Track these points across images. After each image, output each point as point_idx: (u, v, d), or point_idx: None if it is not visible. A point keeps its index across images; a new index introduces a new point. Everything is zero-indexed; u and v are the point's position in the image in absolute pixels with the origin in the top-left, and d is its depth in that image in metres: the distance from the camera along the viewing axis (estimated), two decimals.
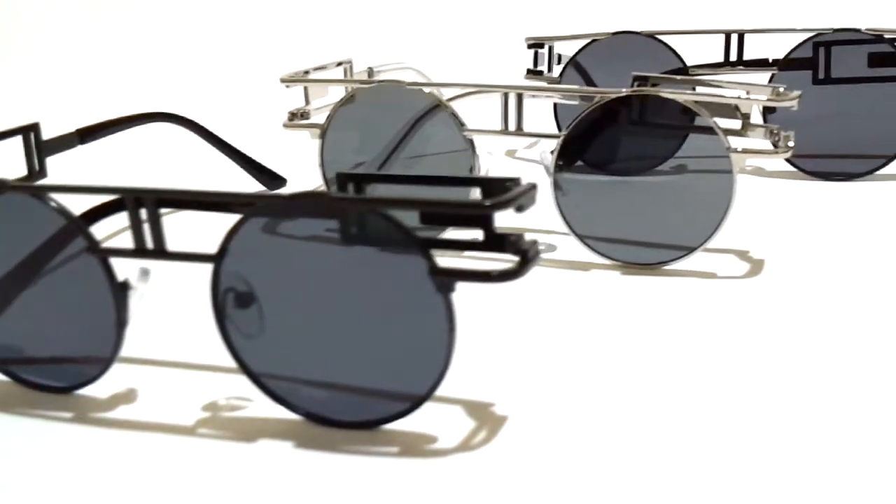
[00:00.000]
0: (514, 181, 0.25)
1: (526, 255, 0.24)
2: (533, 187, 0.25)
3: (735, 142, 0.36)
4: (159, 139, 0.54)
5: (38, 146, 0.42)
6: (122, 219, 0.27)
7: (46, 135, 0.43)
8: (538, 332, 0.32)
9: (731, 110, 0.37)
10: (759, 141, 0.37)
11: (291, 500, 0.23)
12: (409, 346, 0.25)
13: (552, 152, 0.38)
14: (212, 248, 0.26)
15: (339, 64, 0.49)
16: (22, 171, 0.42)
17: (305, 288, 0.26)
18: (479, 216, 0.24)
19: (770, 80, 0.51)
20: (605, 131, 0.39)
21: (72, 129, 0.45)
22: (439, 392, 0.25)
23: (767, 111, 0.45)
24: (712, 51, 0.54)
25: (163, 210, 0.27)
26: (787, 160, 0.48)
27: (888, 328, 0.32)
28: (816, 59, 0.50)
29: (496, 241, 0.24)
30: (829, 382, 0.28)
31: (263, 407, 0.27)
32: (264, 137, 0.52)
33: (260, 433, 0.26)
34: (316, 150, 0.44)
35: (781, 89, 0.38)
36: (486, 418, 0.26)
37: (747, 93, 0.39)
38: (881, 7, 0.73)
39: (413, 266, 0.24)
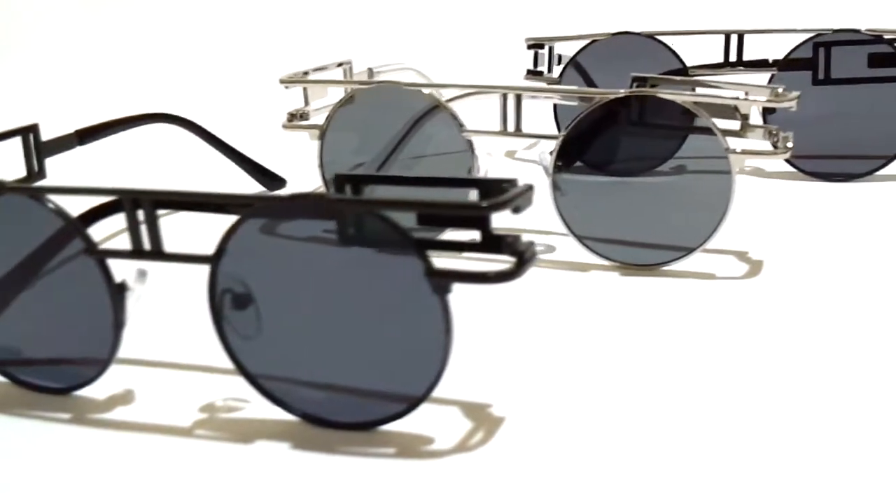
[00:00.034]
0: (511, 182, 0.25)
1: (523, 256, 0.24)
2: (529, 188, 0.25)
3: (734, 142, 0.36)
4: (159, 140, 0.54)
5: (38, 147, 0.42)
6: (120, 220, 0.27)
7: (46, 136, 0.43)
8: (536, 333, 0.32)
9: (730, 111, 0.37)
10: (759, 142, 0.37)
11: (288, 502, 0.23)
12: (405, 347, 0.25)
13: (551, 153, 0.38)
14: (209, 249, 0.26)
15: (340, 65, 0.48)
16: (21, 172, 0.42)
17: (302, 289, 0.26)
18: (475, 217, 0.24)
19: (770, 81, 0.51)
20: (604, 132, 0.39)
21: (71, 129, 0.45)
22: (436, 393, 0.25)
23: (767, 112, 0.45)
24: (712, 51, 0.54)
25: (160, 211, 0.27)
26: (787, 161, 0.48)
27: (887, 329, 0.32)
28: (816, 59, 0.50)
29: (493, 243, 0.24)
30: (827, 383, 0.28)
31: (260, 408, 0.27)
32: (265, 138, 0.52)
33: (257, 434, 0.26)
34: (315, 151, 0.44)
35: (780, 90, 0.38)
36: (483, 419, 0.26)
37: (746, 94, 0.39)
38: (881, 7, 0.72)
39: (409, 267, 0.24)
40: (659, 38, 0.55)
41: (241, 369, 0.26)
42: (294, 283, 0.26)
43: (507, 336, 0.32)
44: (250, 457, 0.25)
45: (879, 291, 0.35)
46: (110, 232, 0.30)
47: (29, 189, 0.28)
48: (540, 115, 0.50)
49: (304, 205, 0.25)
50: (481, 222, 0.24)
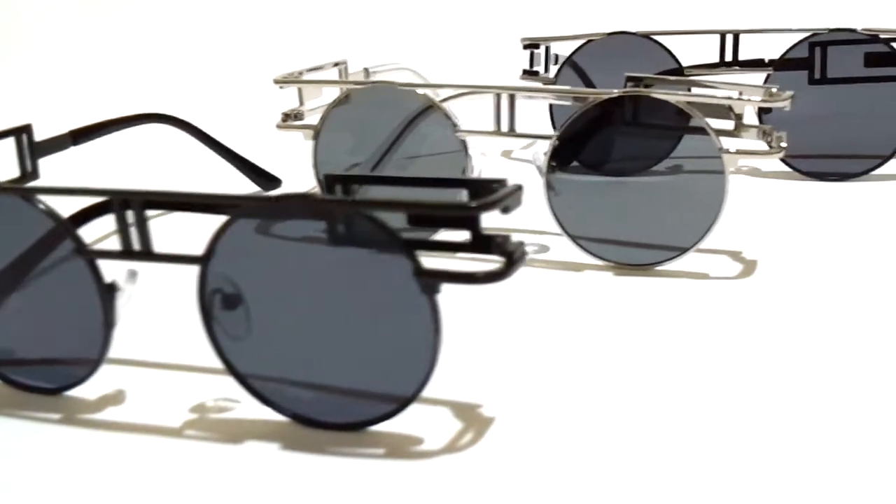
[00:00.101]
0: (501, 182, 0.25)
1: (512, 256, 0.24)
2: (519, 188, 0.25)
3: (728, 142, 0.36)
4: (154, 140, 0.54)
5: (31, 147, 0.42)
6: (112, 220, 0.27)
7: (39, 136, 0.43)
8: (529, 333, 0.32)
9: (724, 111, 0.37)
10: (753, 141, 0.37)
11: (278, 502, 0.23)
12: (395, 347, 0.25)
13: (545, 153, 0.38)
14: (199, 249, 0.26)
15: (336, 65, 0.48)
16: (14, 172, 0.42)
17: (292, 289, 0.26)
18: (464, 217, 0.24)
19: (766, 81, 0.51)
20: (598, 132, 0.39)
21: (65, 130, 0.45)
22: (426, 393, 0.25)
23: (763, 112, 0.45)
24: (708, 51, 0.54)
25: (151, 212, 0.27)
26: (783, 160, 0.48)
27: (882, 329, 0.32)
28: (812, 59, 0.50)
29: (483, 243, 0.24)
30: (821, 383, 0.28)
31: (250, 408, 0.26)
32: (260, 138, 0.52)
33: (247, 434, 0.26)
34: (309, 152, 0.44)
35: (774, 90, 0.38)
36: (472, 420, 0.26)
37: (740, 93, 0.38)
38: (877, 7, 0.72)
39: (398, 267, 0.24)
40: (655, 37, 0.55)
41: (231, 369, 0.26)
42: (283, 283, 0.26)
43: (498, 336, 0.32)
44: (240, 457, 0.25)
45: (874, 291, 0.35)
46: (104, 232, 0.30)
47: (19, 189, 0.28)
48: (537, 115, 0.50)
49: (291, 205, 0.25)
50: (470, 222, 0.24)
